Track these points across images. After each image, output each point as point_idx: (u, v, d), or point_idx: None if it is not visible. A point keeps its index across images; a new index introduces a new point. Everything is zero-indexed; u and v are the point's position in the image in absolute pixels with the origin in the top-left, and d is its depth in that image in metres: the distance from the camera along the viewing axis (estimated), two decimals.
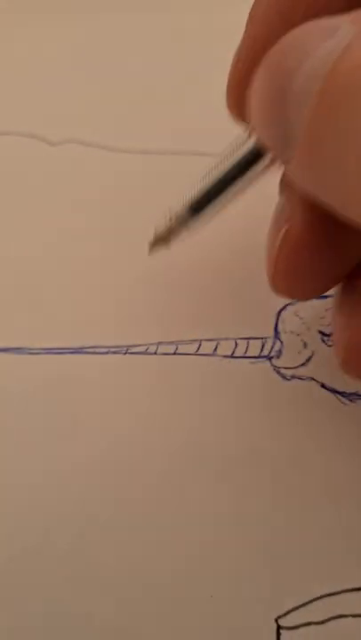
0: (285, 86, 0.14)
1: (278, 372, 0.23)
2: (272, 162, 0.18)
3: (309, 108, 0.14)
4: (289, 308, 0.23)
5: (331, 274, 0.19)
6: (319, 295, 0.20)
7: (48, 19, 0.31)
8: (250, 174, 0.18)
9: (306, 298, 0.20)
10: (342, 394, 0.22)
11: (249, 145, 0.18)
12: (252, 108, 0.16)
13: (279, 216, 0.19)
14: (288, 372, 0.23)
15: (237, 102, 0.20)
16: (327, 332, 0.23)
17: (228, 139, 0.27)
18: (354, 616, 0.19)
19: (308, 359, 0.23)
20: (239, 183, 0.19)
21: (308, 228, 0.18)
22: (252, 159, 0.18)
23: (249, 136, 0.18)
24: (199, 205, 0.20)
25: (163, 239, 0.21)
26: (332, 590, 0.20)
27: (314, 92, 0.14)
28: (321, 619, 0.19)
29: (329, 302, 0.23)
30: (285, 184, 0.20)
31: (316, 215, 0.18)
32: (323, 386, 0.22)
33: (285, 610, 0.19)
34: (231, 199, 0.19)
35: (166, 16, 0.31)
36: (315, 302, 0.23)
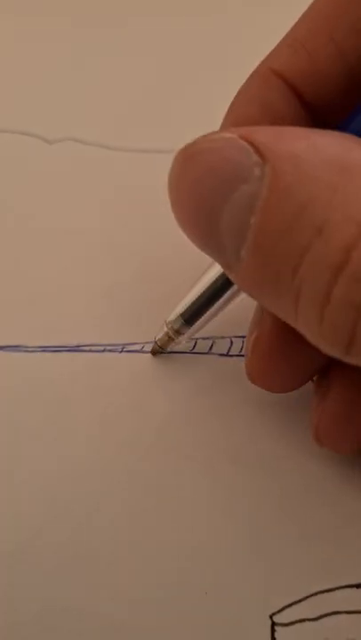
0: (213, 225, 0.15)
1: None
2: None
3: (246, 254, 0.15)
4: None
5: (301, 373, 0.20)
6: (296, 389, 0.21)
7: (45, 18, 0.31)
8: (234, 288, 0.20)
9: (281, 392, 0.21)
10: None
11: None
12: (186, 231, 0.16)
13: (254, 318, 0.21)
14: None
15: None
16: None
17: None
18: (348, 612, 0.19)
19: None
20: (227, 294, 0.20)
21: (276, 335, 0.19)
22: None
23: None
24: (191, 317, 0.21)
25: (162, 347, 0.23)
26: (327, 587, 0.20)
27: (248, 240, 0.14)
28: (315, 615, 0.19)
29: None
30: None
31: (283, 324, 0.19)
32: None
33: (280, 606, 0.19)
34: (221, 308, 0.21)
35: (164, 15, 0.31)
36: None
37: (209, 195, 0.15)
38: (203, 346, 0.23)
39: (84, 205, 0.27)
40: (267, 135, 0.14)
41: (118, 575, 0.20)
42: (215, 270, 0.20)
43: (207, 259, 0.19)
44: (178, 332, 0.22)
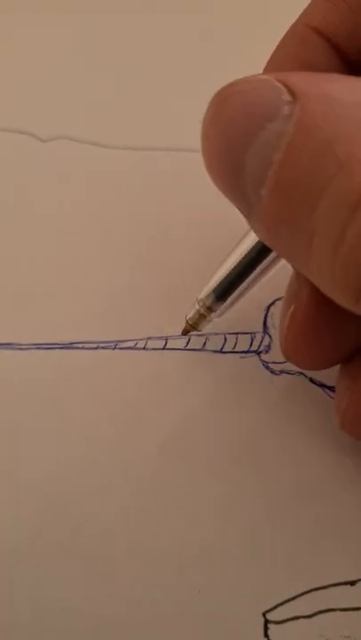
0: (238, 165, 0.15)
1: (267, 367, 0.23)
2: None
3: (266, 192, 0.14)
4: (278, 303, 0.23)
5: (338, 349, 0.20)
6: (332, 366, 0.20)
7: (39, 16, 0.31)
8: (268, 259, 0.19)
9: (317, 369, 0.21)
10: (331, 388, 0.22)
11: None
12: (211, 172, 0.16)
13: (290, 290, 0.20)
14: (277, 367, 0.23)
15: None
16: None
17: None
18: (342, 610, 0.19)
19: None
20: (259, 268, 0.19)
21: (314, 309, 0.19)
22: (265, 247, 0.19)
23: None
24: (223, 292, 0.20)
25: (194, 326, 0.22)
26: (320, 584, 0.19)
27: (269, 178, 0.14)
28: (309, 613, 0.19)
29: None
30: None
31: (322, 295, 0.18)
32: (311, 380, 0.22)
33: (273, 604, 0.19)
34: (254, 282, 0.20)
35: (159, 13, 0.31)
36: None
37: (237, 134, 0.15)
38: (196, 342, 0.23)
39: (77, 203, 0.26)
40: (302, 77, 0.14)
41: (112, 574, 0.20)
42: (247, 244, 0.19)
43: (234, 236, 0.19)
44: (210, 309, 0.21)
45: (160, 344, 0.23)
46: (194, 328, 0.22)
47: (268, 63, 0.20)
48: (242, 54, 0.29)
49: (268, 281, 0.24)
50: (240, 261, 0.19)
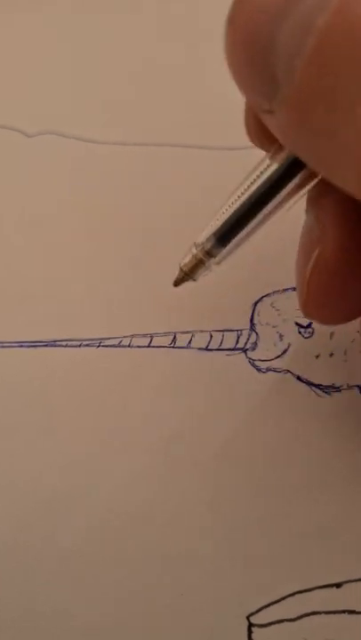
0: (271, 33, 0.13)
1: (254, 365, 0.22)
2: (300, 185, 0.17)
3: (302, 62, 0.13)
4: (265, 299, 0.23)
5: None
6: (355, 319, 0.19)
7: (24, 12, 0.31)
8: (276, 199, 0.17)
9: (339, 323, 0.19)
10: (318, 386, 0.22)
11: (273, 169, 0.17)
12: (232, 55, 0.14)
13: (308, 237, 0.18)
14: (263, 365, 0.22)
15: (258, 131, 0.18)
16: (304, 323, 0.23)
17: (207, 131, 0.27)
18: (327, 613, 0.19)
19: (284, 351, 0.22)
20: (266, 209, 0.17)
21: (342, 250, 0.17)
22: (277, 183, 0.17)
23: (272, 159, 0.17)
24: (225, 236, 0.18)
25: (189, 273, 0.20)
26: (305, 587, 0.19)
27: (307, 45, 0.13)
28: (293, 616, 0.19)
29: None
30: (314, 202, 0.18)
31: (350, 234, 0.17)
32: (299, 378, 0.22)
33: (257, 607, 0.19)
34: (258, 226, 0.18)
35: (147, 7, 0.31)
36: (291, 293, 0.23)
37: (265, 16, 0.13)
38: (182, 340, 0.23)
39: (63, 199, 0.26)
40: None
41: (94, 575, 0.19)
42: (248, 185, 0.17)
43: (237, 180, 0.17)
44: (209, 254, 0.19)
45: (145, 341, 0.23)
46: (188, 276, 0.20)
47: None
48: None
49: (255, 277, 0.23)
50: (246, 200, 0.17)
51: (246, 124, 0.19)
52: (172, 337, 0.23)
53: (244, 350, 0.23)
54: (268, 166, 0.17)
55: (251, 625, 0.19)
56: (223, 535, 0.20)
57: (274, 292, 0.23)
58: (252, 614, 0.19)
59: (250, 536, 0.20)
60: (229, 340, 0.23)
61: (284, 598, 0.19)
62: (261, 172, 0.17)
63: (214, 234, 0.18)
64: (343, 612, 0.19)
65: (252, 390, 0.22)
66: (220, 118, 0.27)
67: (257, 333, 0.23)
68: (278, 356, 0.22)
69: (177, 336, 0.23)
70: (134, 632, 0.19)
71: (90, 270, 0.24)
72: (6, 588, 0.19)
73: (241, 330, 0.23)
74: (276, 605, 0.19)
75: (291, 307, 0.23)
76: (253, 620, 0.19)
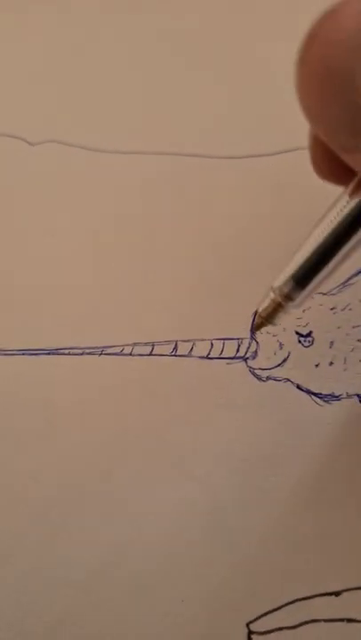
0: (352, 69, 0.13)
1: (254, 373, 0.22)
2: None
3: None
4: None
5: None
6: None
7: (28, 22, 0.31)
8: (356, 236, 0.17)
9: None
10: (318, 395, 0.22)
11: (351, 206, 0.16)
12: (306, 94, 0.14)
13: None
14: (263, 374, 0.22)
15: (331, 167, 0.18)
16: (304, 332, 0.23)
17: (210, 139, 0.27)
18: (326, 621, 0.19)
19: (284, 360, 0.22)
20: (347, 246, 0.17)
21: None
22: (355, 221, 0.16)
23: (350, 197, 0.16)
24: (304, 278, 0.17)
25: (268, 319, 0.19)
26: (305, 595, 0.19)
27: None
28: (293, 623, 0.19)
29: (306, 303, 0.23)
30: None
31: None
32: (298, 387, 0.22)
33: (257, 614, 0.19)
34: (338, 265, 0.17)
35: (148, 16, 0.31)
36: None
37: (342, 51, 0.13)
38: (183, 348, 0.23)
39: (65, 207, 0.26)
40: None
41: (96, 582, 0.20)
42: (327, 224, 0.17)
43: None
44: (288, 298, 0.18)
45: (146, 350, 0.23)
46: (268, 322, 0.19)
47: None
48: (237, 56, 0.29)
49: (255, 286, 0.23)
50: (325, 239, 0.17)
51: (314, 161, 0.18)
52: (173, 345, 0.23)
53: (245, 359, 0.23)
54: (348, 203, 0.16)
55: (250, 632, 0.19)
56: (223, 543, 0.20)
57: None
58: (251, 622, 0.19)
59: (250, 544, 0.20)
60: (230, 349, 0.23)
61: (283, 606, 0.19)
62: (341, 210, 0.16)
63: (293, 276, 0.18)
64: (342, 620, 0.19)
65: (253, 398, 0.22)
66: (223, 127, 0.27)
67: (257, 342, 0.23)
68: (278, 365, 0.22)
69: (178, 344, 0.23)
70: (135, 637, 0.19)
71: (92, 279, 0.24)
72: (5, 592, 0.20)
73: (241, 339, 0.23)
74: (275, 613, 0.19)
75: (291, 316, 0.23)
76: (253, 627, 0.19)
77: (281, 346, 0.23)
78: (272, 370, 0.22)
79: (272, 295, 0.18)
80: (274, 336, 0.23)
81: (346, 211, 0.16)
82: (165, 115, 0.27)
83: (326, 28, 0.14)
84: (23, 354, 0.23)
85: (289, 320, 0.23)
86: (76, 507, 0.21)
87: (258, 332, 0.23)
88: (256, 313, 0.19)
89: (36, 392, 0.23)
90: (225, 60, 0.29)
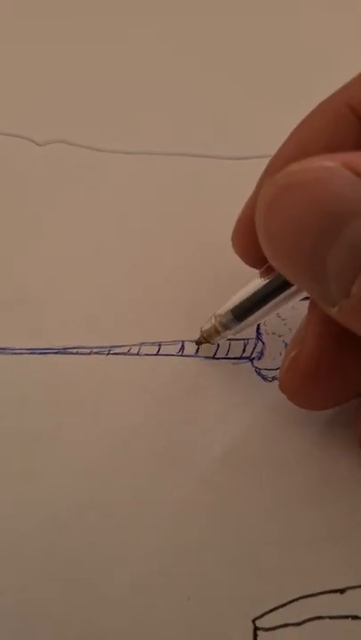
0: (317, 262, 0.14)
1: (260, 374, 0.23)
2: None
3: (356, 294, 0.14)
4: None
5: (337, 395, 0.20)
6: (327, 409, 0.21)
7: (35, 22, 0.31)
8: (288, 292, 0.19)
9: (312, 409, 0.21)
10: None
11: (263, 283, 0.19)
12: (278, 263, 0.15)
13: (297, 335, 0.20)
14: (269, 374, 0.23)
15: (246, 246, 0.21)
16: None
17: (216, 141, 0.28)
18: (331, 617, 0.19)
19: None
20: (278, 299, 0.19)
21: (316, 358, 0.19)
22: (273, 292, 0.19)
23: (260, 277, 0.19)
24: (241, 314, 0.20)
25: (207, 338, 0.22)
26: (310, 592, 0.19)
27: (356, 285, 0.13)
28: (298, 620, 0.19)
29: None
30: (310, 304, 0.20)
31: (327, 343, 0.18)
32: None
33: (263, 611, 0.19)
34: (272, 310, 0.20)
35: (155, 16, 0.31)
36: (297, 303, 0.23)
37: (314, 231, 0.14)
38: (190, 348, 0.23)
39: (72, 208, 0.26)
40: None
41: (101, 580, 0.20)
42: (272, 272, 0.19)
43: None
44: (225, 327, 0.21)
45: (153, 350, 0.23)
46: (207, 340, 0.22)
47: (295, 132, 0.19)
48: (239, 57, 0.29)
49: None
50: (263, 288, 0.19)
51: (236, 233, 0.21)
52: (179, 345, 0.23)
53: (251, 359, 0.23)
54: (262, 280, 0.19)
55: (256, 628, 0.19)
56: (229, 540, 0.20)
57: None
58: (257, 618, 0.19)
59: (255, 541, 0.20)
60: (236, 349, 0.23)
61: (289, 603, 0.19)
62: (258, 284, 0.19)
63: (232, 310, 0.21)
64: (347, 617, 0.19)
65: (258, 399, 0.22)
66: (229, 128, 0.27)
67: (263, 343, 0.23)
68: None
69: (185, 344, 0.23)
70: (141, 636, 0.19)
71: (100, 278, 0.25)
72: (9, 593, 0.20)
73: (247, 339, 0.23)
74: (281, 610, 0.19)
75: (297, 316, 0.23)
76: (259, 623, 0.19)
77: (287, 346, 0.23)
78: (278, 370, 0.23)
79: (213, 321, 0.21)
80: (280, 336, 0.23)
81: (259, 285, 0.19)
82: (173, 115, 0.28)
83: (295, 201, 0.14)
84: (30, 353, 0.23)
85: (295, 321, 0.23)
86: (80, 507, 0.21)
87: (265, 330, 0.23)
88: (200, 338, 0.23)
89: (43, 391, 0.23)
90: (226, 61, 0.29)
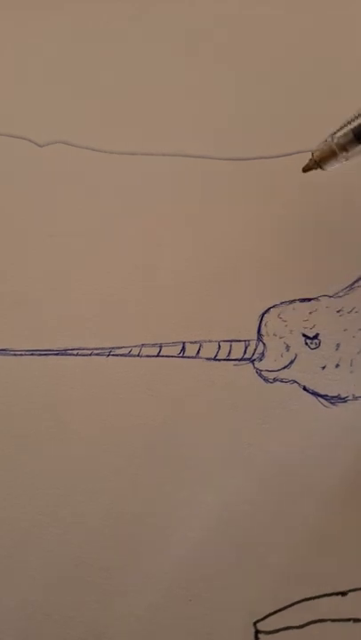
0: None
1: (261, 375, 0.23)
2: None
3: None
4: (272, 310, 0.23)
5: None
6: None
7: (37, 25, 0.31)
8: None
9: None
10: (324, 397, 0.22)
11: None
12: None
13: None
14: (270, 375, 0.23)
15: None
16: (310, 334, 0.23)
17: (217, 141, 0.27)
18: (333, 620, 0.19)
19: (291, 362, 0.23)
20: None
21: None
22: None
23: None
24: None
25: (319, 162, 0.20)
26: (312, 595, 0.19)
27: None
28: (300, 623, 0.19)
29: (313, 305, 0.23)
30: None
31: None
32: (305, 389, 0.22)
33: (264, 614, 0.19)
34: None
35: (157, 24, 0.31)
36: (298, 304, 0.23)
37: None
38: (190, 349, 0.23)
39: (73, 208, 0.26)
40: None
41: (103, 580, 0.20)
42: None
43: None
44: (343, 148, 0.19)
45: (154, 351, 0.23)
46: (318, 165, 0.20)
47: None
48: (240, 58, 0.29)
49: (262, 288, 0.24)
50: None
51: None
52: (180, 347, 0.23)
53: (252, 360, 0.23)
54: None
55: (257, 631, 0.19)
56: (231, 543, 0.20)
57: (281, 304, 0.23)
58: (258, 621, 0.19)
59: (257, 544, 0.20)
60: (237, 351, 0.23)
61: (290, 605, 0.19)
62: None
63: (353, 130, 0.19)
64: (348, 620, 0.19)
65: (259, 400, 0.22)
66: (229, 129, 0.27)
67: (264, 344, 0.23)
68: (285, 367, 0.23)
69: (186, 346, 0.23)
70: (143, 637, 0.19)
71: (101, 279, 0.25)
72: (12, 592, 0.20)
73: (249, 340, 0.23)
74: (282, 612, 0.19)
75: (298, 318, 0.23)
76: (260, 626, 0.19)
77: (288, 348, 0.23)
78: (279, 371, 0.23)
79: (329, 140, 0.20)
80: (281, 338, 0.23)
81: None
82: (173, 117, 0.28)
83: None
84: (32, 354, 0.23)
85: (296, 322, 0.23)
86: (84, 506, 0.21)
87: (266, 332, 0.23)
88: (310, 162, 0.20)
89: (44, 392, 0.23)
90: (228, 63, 0.29)
